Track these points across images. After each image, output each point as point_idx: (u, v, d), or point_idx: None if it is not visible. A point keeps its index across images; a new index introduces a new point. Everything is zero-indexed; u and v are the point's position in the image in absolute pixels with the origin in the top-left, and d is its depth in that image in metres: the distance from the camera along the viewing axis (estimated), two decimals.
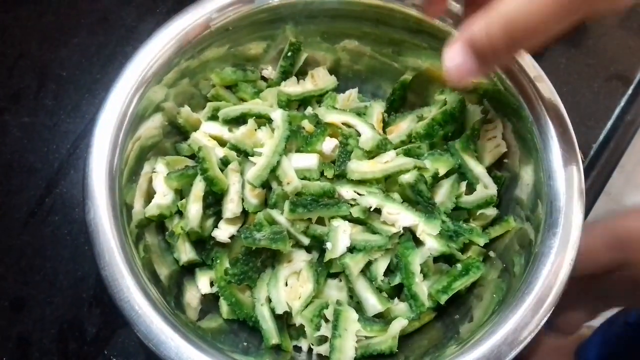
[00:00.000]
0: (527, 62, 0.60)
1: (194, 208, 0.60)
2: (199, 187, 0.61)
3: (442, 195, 0.63)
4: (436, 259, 0.62)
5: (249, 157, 0.61)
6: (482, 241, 0.61)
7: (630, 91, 0.83)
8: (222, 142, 0.65)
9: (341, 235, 0.58)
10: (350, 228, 0.59)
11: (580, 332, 0.74)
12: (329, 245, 0.57)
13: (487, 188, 0.63)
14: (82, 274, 0.73)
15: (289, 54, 0.68)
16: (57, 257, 0.73)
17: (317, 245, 0.59)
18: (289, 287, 0.59)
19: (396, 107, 0.72)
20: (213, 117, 0.66)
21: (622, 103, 0.83)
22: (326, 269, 0.60)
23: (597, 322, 0.81)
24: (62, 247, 0.74)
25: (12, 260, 0.73)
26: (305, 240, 0.59)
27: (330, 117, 0.64)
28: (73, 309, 0.71)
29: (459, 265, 0.61)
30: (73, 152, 0.79)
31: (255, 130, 0.63)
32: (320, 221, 0.60)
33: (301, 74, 0.72)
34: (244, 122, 0.64)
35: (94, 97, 0.81)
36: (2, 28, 0.85)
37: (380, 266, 0.60)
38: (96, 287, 0.72)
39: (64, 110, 0.81)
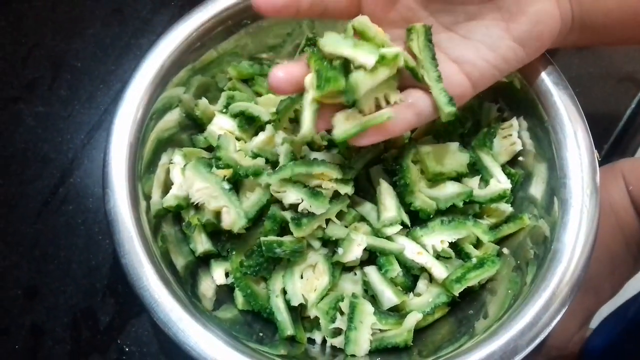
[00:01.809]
0: (543, 60, 0.60)
1: None
2: None
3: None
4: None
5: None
6: (486, 238, 0.61)
7: None
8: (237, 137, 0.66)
9: (355, 247, 0.58)
10: (365, 241, 0.58)
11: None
12: (340, 250, 0.58)
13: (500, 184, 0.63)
14: (95, 264, 0.72)
15: (305, 48, 0.68)
16: (70, 246, 0.73)
17: (333, 242, 0.59)
18: (304, 280, 0.59)
19: None
20: (229, 106, 0.67)
21: (634, 105, 0.83)
22: (341, 262, 0.60)
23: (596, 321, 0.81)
24: (76, 237, 0.74)
25: (25, 249, 0.73)
26: (317, 245, 0.59)
27: None
28: (86, 298, 0.71)
29: (474, 259, 0.61)
30: (87, 143, 0.78)
31: (274, 135, 0.63)
32: (340, 216, 0.60)
33: None
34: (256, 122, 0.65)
35: (108, 88, 0.81)
36: (17, 18, 0.85)
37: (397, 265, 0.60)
38: (110, 276, 0.72)
39: (79, 101, 0.80)
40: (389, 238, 0.60)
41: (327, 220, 0.58)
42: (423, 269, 0.60)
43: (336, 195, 0.57)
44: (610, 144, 0.81)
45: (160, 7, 0.86)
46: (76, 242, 0.74)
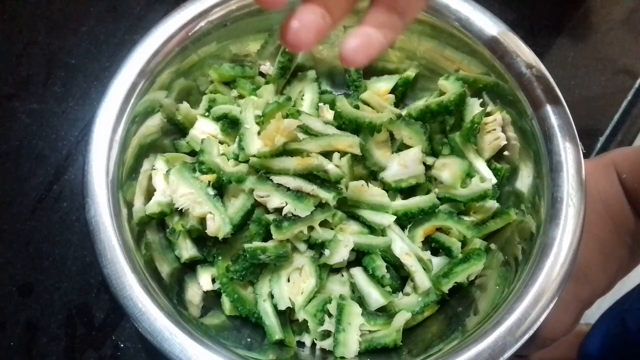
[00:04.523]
0: (527, 54, 0.57)
1: None
2: None
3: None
4: (437, 252, 0.61)
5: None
6: (469, 233, 0.59)
7: (637, 85, 0.80)
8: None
9: (342, 249, 0.55)
10: (352, 242, 0.56)
11: (580, 328, 0.72)
12: (326, 252, 0.55)
13: (484, 181, 0.60)
14: (90, 260, 0.70)
15: (287, 50, 0.65)
16: (65, 243, 0.71)
17: (319, 244, 0.57)
18: (291, 283, 0.56)
19: (396, 102, 0.68)
20: (211, 109, 0.64)
21: (629, 97, 0.79)
22: (328, 264, 0.57)
23: (593, 318, 0.79)
24: (70, 233, 0.71)
25: (20, 246, 0.70)
26: (303, 247, 0.56)
27: None
28: (81, 295, 0.69)
29: (460, 255, 0.58)
30: (82, 139, 0.75)
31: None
32: (324, 224, 0.57)
33: (300, 70, 0.68)
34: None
35: (102, 84, 0.77)
36: (11, 15, 0.81)
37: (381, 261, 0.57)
38: None
39: (73, 98, 0.77)
40: (383, 232, 0.58)
41: (311, 228, 0.55)
42: None
43: (323, 204, 0.55)
44: (606, 136, 0.78)
45: (154, 3, 0.82)
46: (71, 238, 0.71)
